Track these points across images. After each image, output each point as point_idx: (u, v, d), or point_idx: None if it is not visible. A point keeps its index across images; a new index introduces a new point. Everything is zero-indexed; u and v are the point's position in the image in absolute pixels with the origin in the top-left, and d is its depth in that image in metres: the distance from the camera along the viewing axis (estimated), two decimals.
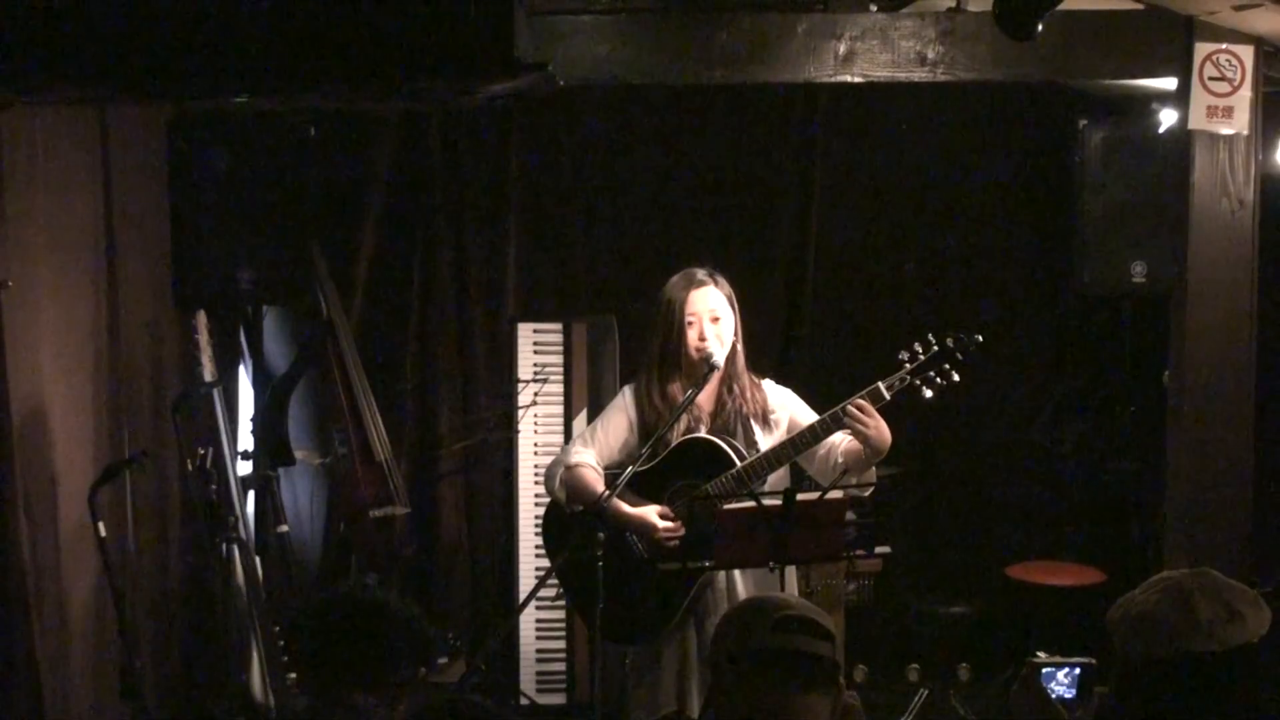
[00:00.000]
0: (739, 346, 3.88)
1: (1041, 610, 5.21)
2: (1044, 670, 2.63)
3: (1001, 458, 5.74)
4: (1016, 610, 5.37)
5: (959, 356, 3.68)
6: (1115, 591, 2.31)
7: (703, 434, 3.82)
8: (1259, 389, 4.21)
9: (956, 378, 3.68)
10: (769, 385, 3.95)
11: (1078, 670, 2.64)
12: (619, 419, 3.92)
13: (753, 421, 3.86)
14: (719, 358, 3.80)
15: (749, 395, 3.88)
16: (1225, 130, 4.07)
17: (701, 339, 3.81)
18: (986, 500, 5.76)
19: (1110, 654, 2.30)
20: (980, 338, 3.70)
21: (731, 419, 3.85)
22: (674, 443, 3.82)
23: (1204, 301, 4.15)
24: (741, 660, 2.23)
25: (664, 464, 3.82)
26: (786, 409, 3.91)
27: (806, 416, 3.86)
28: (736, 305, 3.88)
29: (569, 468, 3.87)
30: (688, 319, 3.81)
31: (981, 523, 5.75)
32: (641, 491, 3.82)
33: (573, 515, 3.87)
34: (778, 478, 3.84)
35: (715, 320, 3.82)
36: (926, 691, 5.24)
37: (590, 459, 3.88)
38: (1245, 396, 4.18)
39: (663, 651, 3.86)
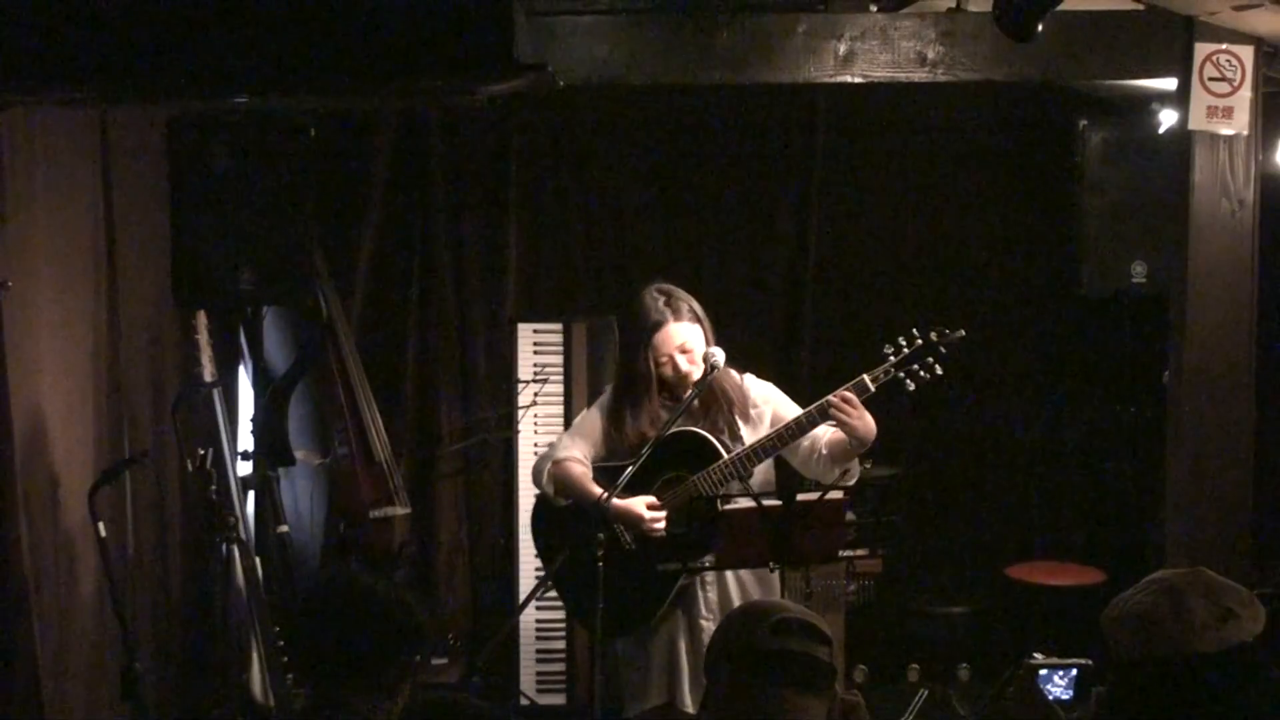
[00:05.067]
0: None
1: (1041, 610, 5.21)
2: (1041, 672, 2.63)
3: (1001, 458, 5.74)
4: (1016, 610, 5.37)
5: (942, 350, 3.74)
6: (1115, 592, 2.30)
7: (691, 427, 3.86)
8: (1259, 389, 4.21)
9: (940, 371, 3.76)
10: (750, 380, 3.99)
11: (1074, 671, 2.64)
12: (598, 418, 3.98)
13: (735, 416, 3.90)
14: (719, 358, 3.84)
15: (730, 391, 3.91)
16: (1225, 130, 4.06)
17: (677, 371, 3.85)
18: (986, 500, 5.76)
19: (1107, 654, 2.29)
20: (963, 332, 3.78)
21: (715, 414, 3.89)
22: (662, 436, 3.84)
23: (1204, 301, 4.14)
24: (740, 661, 2.23)
25: (652, 456, 3.84)
26: (769, 403, 3.95)
27: (789, 409, 3.90)
28: (700, 313, 3.89)
29: (556, 462, 3.93)
30: (659, 361, 3.85)
31: (981, 523, 5.74)
32: (630, 484, 3.83)
33: (564, 509, 3.92)
34: (762, 471, 3.88)
35: (686, 352, 3.85)
36: (926, 691, 5.23)
37: (577, 454, 3.93)
38: (1245, 397, 4.17)
39: (650, 642, 3.90)
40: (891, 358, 3.75)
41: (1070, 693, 2.65)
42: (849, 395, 3.70)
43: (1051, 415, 5.67)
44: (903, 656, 5.44)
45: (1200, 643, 2.14)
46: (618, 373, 4.01)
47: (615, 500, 3.80)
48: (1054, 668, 2.66)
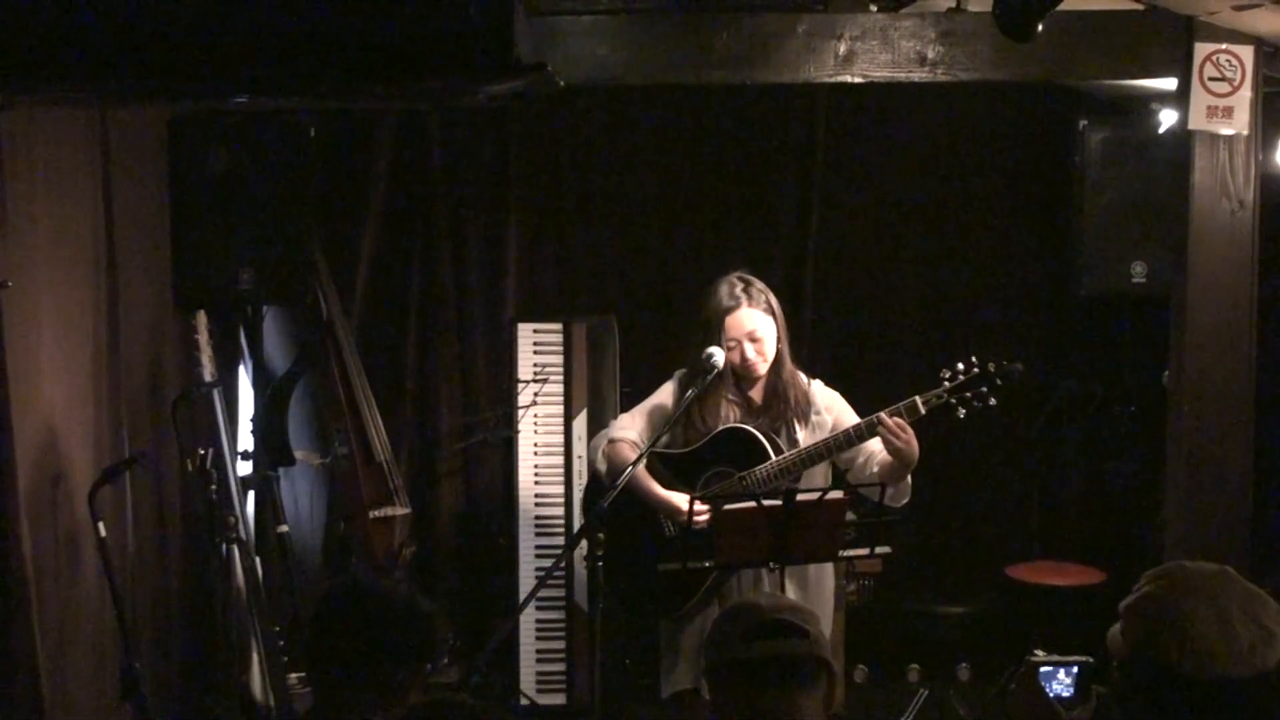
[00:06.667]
0: (784, 348, 3.93)
1: (1041, 610, 5.21)
2: (1043, 669, 2.61)
3: (1001, 458, 5.74)
4: (1016, 610, 5.37)
5: (998, 382, 3.73)
6: (1115, 591, 2.27)
7: (745, 425, 3.88)
8: (1259, 389, 4.21)
9: (994, 402, 3.74)
10: (817, 386, 4.01)
11: (1076, 669, 2.62)
12: (669, 399, 4.00)
13: (795, 421, 3.91)
14: (718, 359, 3.84)
15: (795, 395, 3.92)
16: (1225, 130, 4.06)
17: (744, 359, 3.87)
18: (986, 500, 5.76)
19: (1123, 651, 2.20)
20: (1020, 366, 3.75)
21: (777, 417, 3.92)
22: (715, 430, 3.89)
23: (1204, 301, 4.15)
24: (722, 674, 2.23)
25: (703, 449, 3.90)
26: (832, 411, 3.97)
27: (851, 420, 3.91)
28: (776, 307, 3.91)
29: (612, 441, 4.00)
30: (727, 345, 3.86)
31: (981, 523, 5.75)
32: (680, 474, 3.91)
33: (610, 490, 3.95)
34: (820, 480, 3.90)
35: (755, 340, 3.86)
36: (926, 691, 5.24)
37: (634, 436, 3.98)
38: (1245, 396, 4.17)
39: (685, 630, 3.94)
40: (946, 382, 3.74)
41: (1072, 690, 2.64)
42: (899, 419, 3.70)
43: (1051, 415, 5.67)
44: (903, 656, 5.45)
45: (1241, 668, 2.05)
46: (691, 356, 4.00)
47: (659, 489, 3.88)
48: (1057, 665, 2.64)
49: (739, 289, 3.88)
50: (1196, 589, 2.13)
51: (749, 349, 3.86)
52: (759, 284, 3.91)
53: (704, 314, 3.91)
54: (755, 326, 3.86)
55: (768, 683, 2.18)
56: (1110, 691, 2.26)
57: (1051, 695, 2.58)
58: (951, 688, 5.30)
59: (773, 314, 3.89)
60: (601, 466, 4.03)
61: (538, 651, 5.15)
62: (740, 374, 3.91)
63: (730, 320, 3.85)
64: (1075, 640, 4.51)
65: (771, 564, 3.71)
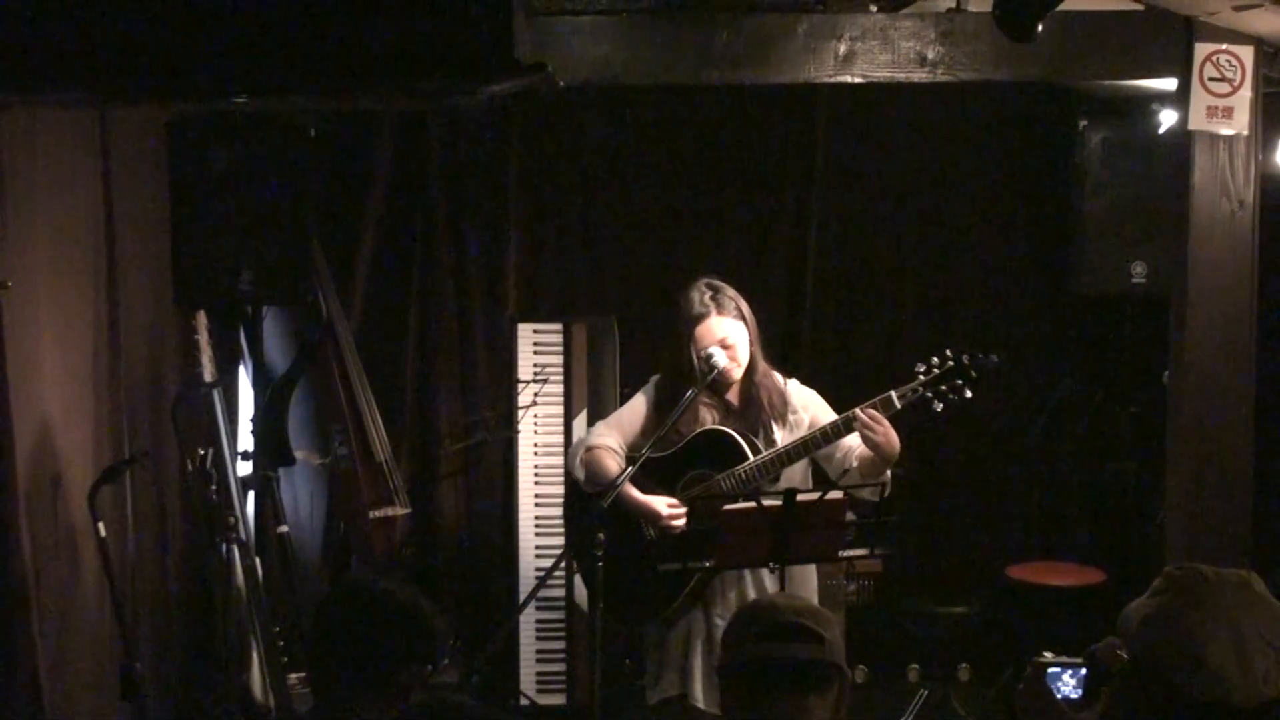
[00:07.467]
0: (756, 350, 3.92)
1: (1042, 610, 5.21)
2: (1050, 670, 2.60)
3: (1001, 458, 5.74)
4: (1016, 610, 5.37)
5: (973, 374, 3.71)
6: (1115, 591, 2.26)
7: (723, 427, 3.87)
8: (1259, 390, 4.21)
9: (969, 394, 3.73)
10: (793, 385, 4.00)
11: (1084, 671, 2.61)
12: (644, 406, 3.99)
13: (773, 421, 3.91)
14: (718, 359, 3.84)
15: (771, 396, 3.92)
16: (1225, 130, 4.06)
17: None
18: (986, 500, 5.76)
19: (1131, 662, 2.15)
20: (995, 358, 3.74)
21: (754, 418, 3.91)
22: (693, 433, 3.88)
23: (1204, 301, 4.14)
24: (733, 671, 2.22)
25: (682, 452, 3.89)
26: (809, 409, 3.96)
27: (828, 417, 3.91)
28: (747, 312, 3.91)
29: (590, 449, 3.97)
30: (700, 354, 3.87)
31: (981, 523, 5.75)
32: (658, 478, 3.90)
33: (590, 498, 3.94)
34: (800, 477, 3.88)
35: (727, 347, 3.86)
36: (926, 691, 5.24)
37: (612, 442, 3.96)
38: (1245, 397, 4.17)
39: (669, 635, 3.93)
40: (921, 376, 3.73)
41: (1079, 692, 2.63)
42: (874, 413, 3.69)
43: (1051, 415, 5.67)
44: (903, 656, 5.45)
45: (1251, 697, 2.01)
46: (664, 365, 4.01)
47: (638, 495, 3.86)
48: (1064, 666, 2.63)
49: (708, 296, 3.88)
50: (1216, 608, 2.06)
51: (719, 356, 3.86)
52: (729, 290, 3.90)
53: (676, 321, 3.91)
54: (726, 334, 3.86)
55: (779, 685, 2.17)
56: (1111, 688, 2.23)
57: (1059, 696, 2.57)
58: (951, 688, 5.30)
59: (743, 319, 3.89)
60: (580, 474, 3.99)
61: (538, 651, 5.15)
62: (715, 380, 3.90)
63: (701, 329, 3.85)
64: (1076, 641, 4.53)
65: (772, 564, 3.71)
